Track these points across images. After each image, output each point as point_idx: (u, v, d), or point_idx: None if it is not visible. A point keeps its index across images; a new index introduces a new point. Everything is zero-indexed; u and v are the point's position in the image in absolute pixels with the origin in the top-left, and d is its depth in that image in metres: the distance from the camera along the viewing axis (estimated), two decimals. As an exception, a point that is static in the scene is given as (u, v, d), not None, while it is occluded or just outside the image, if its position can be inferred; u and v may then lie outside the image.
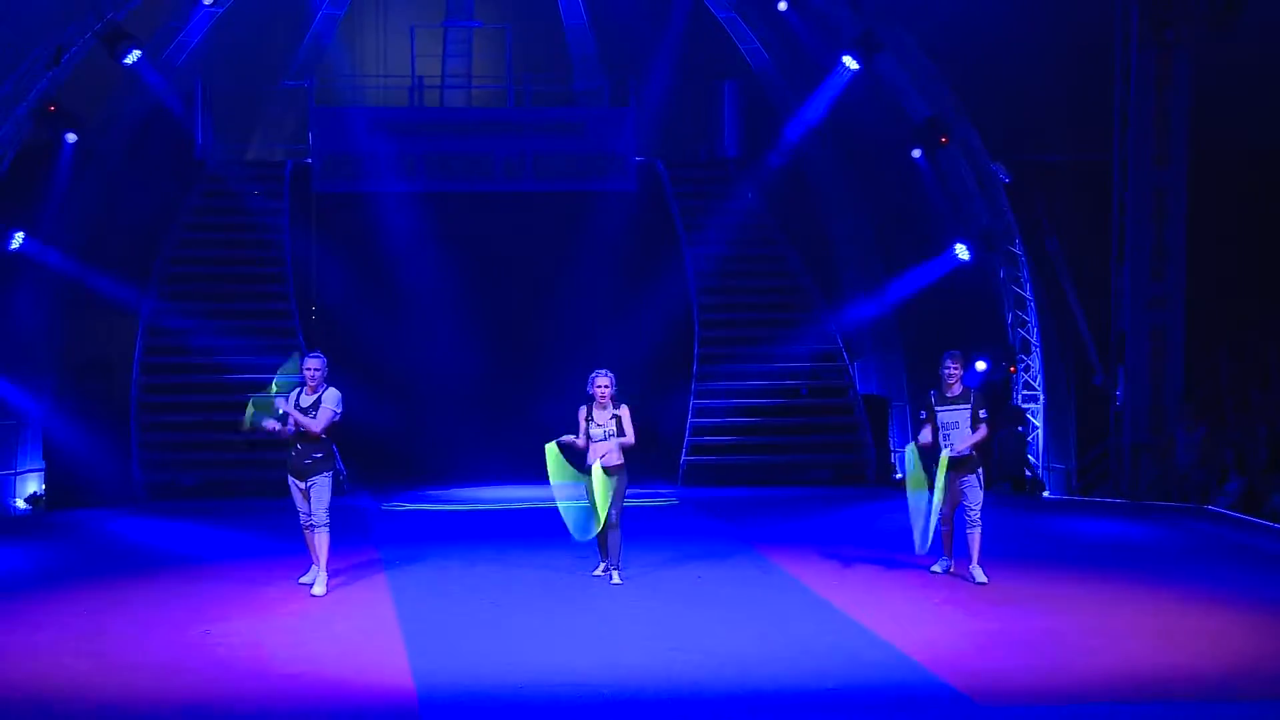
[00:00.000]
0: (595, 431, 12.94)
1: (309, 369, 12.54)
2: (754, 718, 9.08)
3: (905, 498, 13.32)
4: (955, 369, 12.89)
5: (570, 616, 11.75)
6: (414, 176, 23.03)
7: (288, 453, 12.61)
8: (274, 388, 12.74)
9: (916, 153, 21.25)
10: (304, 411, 12.37)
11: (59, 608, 12.22)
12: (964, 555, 12.94)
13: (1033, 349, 21.06)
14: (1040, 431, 21.17)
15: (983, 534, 12.91)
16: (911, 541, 13.22)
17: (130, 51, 19.74)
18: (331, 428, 12.46)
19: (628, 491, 13.20)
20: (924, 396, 13.26)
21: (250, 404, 12.70)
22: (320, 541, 12.49)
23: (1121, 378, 19.81)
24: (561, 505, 13.17)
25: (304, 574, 12.83)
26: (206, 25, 22.21)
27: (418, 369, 22.18)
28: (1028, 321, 20.90)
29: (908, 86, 20.75)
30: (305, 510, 12.56)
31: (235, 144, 23.84)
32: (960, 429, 12.70)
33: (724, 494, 19.87)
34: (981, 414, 12.76)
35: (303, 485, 12.50)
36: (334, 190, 22.97)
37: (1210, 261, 19.79)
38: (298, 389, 12.55)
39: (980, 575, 12.69)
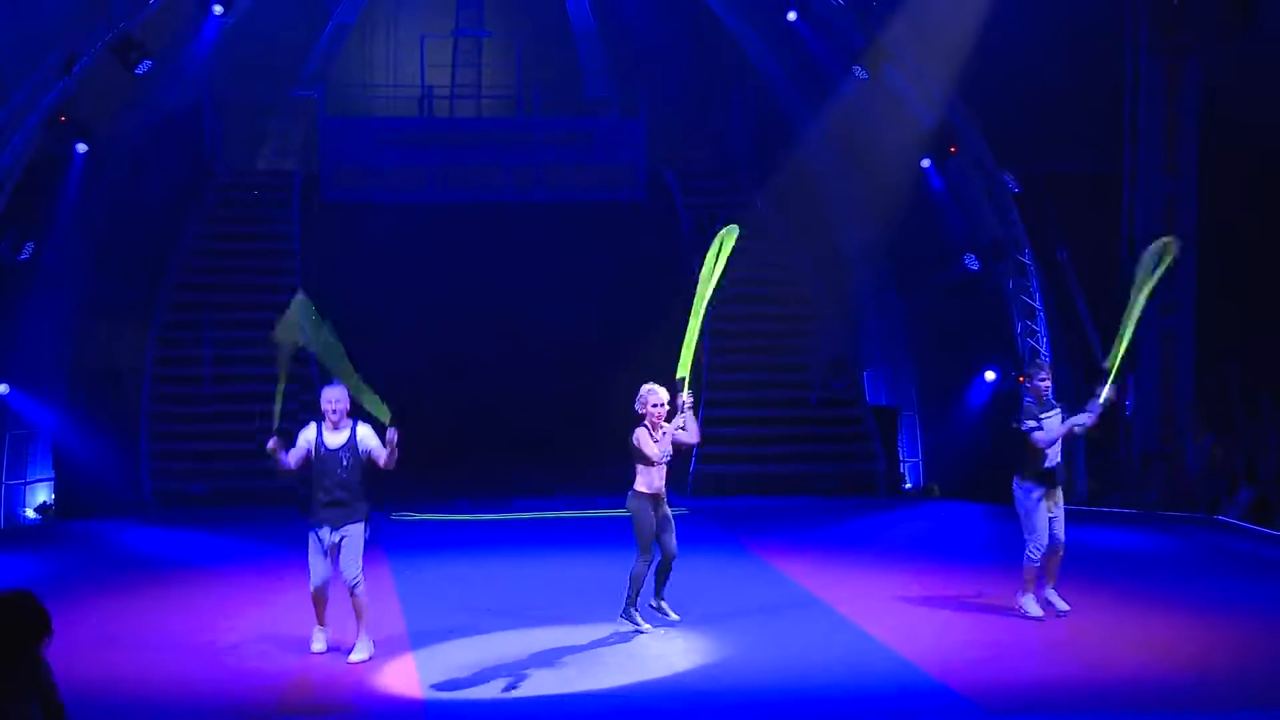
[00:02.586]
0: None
1: (330, 401, 10.89)
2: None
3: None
4: (1048, 376, 12.34)
5: (578, 626, 11.74)
6: (423, 187, 23.05)
7: (311, 496, 10.97)
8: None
9: (925, 162, 21.23)
10: (334, 452, 10.80)
11: (69, 617, 12.15)
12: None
13: (1042, 359, 21.01)
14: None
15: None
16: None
17: (141, 61, 19.77)
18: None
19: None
20: (1027, 409, 12.12)
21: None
22: (363, 603, 10.91)
23: (1131, 387, 19.75)
24: None
25: (314, 640, 11.07)
26: (217, 35, 22.25)
27: (426, 379, 22.17)
28: (1037, 331, 20.85)
29: (916, 96, 20.72)
30: (326, 571, 10.89)
31: (245, 154, 23.88)
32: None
33: (733, 503, 19.83)
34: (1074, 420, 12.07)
35: (334, 538, 10.82)
36: (343, 200, 23.00)
37: (1221, 269, 19.72)
38: (316, 425, 10.93)
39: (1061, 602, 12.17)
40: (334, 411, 10.90)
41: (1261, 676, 10.14)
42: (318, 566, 10.87)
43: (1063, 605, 12.01)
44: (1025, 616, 11.87)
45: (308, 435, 10.96)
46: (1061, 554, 12.05)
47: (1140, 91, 19.42)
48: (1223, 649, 10.89)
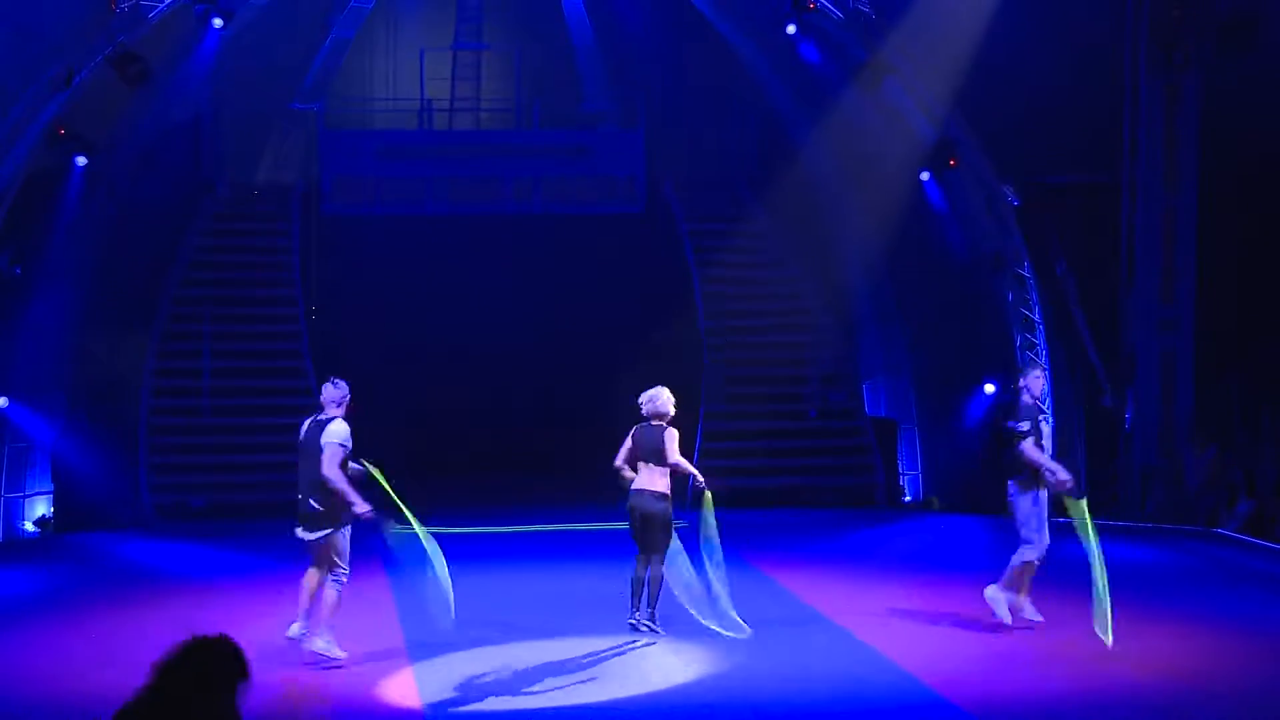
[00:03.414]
0: None
1: (322, 394, 11.27)
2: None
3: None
4: (1042, 375, 12.37)
5: (579, 639, 11.72)
6: (423, 200, 23.10)
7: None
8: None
9: (925, 175, 21.25)
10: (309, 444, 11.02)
11: (68, 630, 12.21)
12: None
13: (1041, 371, 20.97)
14: (1049, 454, 21.06)
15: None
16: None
17: (141, 74, 19.78)
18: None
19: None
20: (1031, 410, 12.01)
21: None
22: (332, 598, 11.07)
23: (1131, 400, 19.74)
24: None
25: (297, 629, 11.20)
26: (217, 48, 22.28)
27: (425, 390, 22.18)
28: (1036, 344, 20.86)
29: (916, 109, 20.74)
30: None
31: (245, 166, 23.90)
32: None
33: (732, 516, 19.71)
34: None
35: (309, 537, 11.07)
36: (343, 213, 23.03)
37: (1220, 282, 19.73)
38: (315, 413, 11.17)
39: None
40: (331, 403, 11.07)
41: (1260, 690, 10.12)
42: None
43: (1036, 616, 11.90)
44: (996, 618, 11.80)
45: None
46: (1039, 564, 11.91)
47: (1140, 105, 19.43)
48: (1222, 662, 10.88)
